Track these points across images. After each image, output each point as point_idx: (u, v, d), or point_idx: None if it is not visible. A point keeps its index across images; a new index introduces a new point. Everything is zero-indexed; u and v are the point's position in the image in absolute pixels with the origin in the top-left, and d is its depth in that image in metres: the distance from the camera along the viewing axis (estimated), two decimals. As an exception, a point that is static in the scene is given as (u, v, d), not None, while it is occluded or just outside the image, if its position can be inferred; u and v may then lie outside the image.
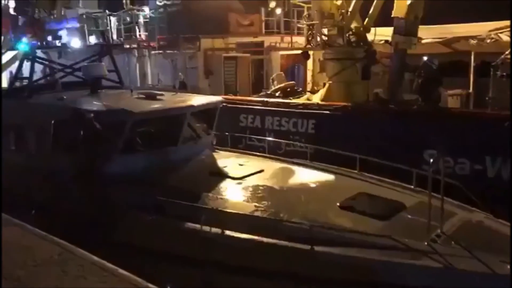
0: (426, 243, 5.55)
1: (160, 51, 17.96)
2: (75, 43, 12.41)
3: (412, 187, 7.45)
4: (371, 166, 8.34)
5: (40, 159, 8.39)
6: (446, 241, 5.66)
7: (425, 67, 12.78)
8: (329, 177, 8.23)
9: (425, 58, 13.31)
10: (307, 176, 8.25)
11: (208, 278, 6.16)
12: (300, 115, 12.85)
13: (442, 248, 5.49)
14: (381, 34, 14.72)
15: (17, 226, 5.90)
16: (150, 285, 4.11)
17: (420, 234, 5.69)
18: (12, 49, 19.23)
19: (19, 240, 5.37)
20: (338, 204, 6.70)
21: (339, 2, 14.13)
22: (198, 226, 6.18)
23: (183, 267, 6.30)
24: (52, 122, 8.34)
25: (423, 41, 14.49)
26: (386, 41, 14.02)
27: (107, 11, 19.87)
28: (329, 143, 10.67)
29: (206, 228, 6.16)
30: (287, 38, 18.47)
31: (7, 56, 20.18)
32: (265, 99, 14.23)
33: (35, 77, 10.66)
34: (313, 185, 7.93)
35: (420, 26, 13.09)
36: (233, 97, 14.78)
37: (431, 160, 6.04)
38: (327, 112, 12.59)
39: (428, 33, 15.22)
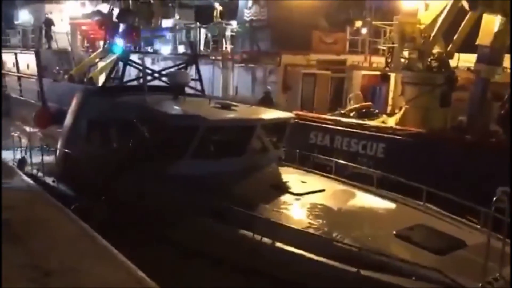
0: (480, 285, 5.30)
1: (242, 64, 18.56)
2: (165, 50, 13.25)
3: (479, 226, 7.14)
4: (438, 199, 8.06)
5: (121, 154, 9.06)
6: (503, 286, 5.42)
7: (509, 97, 12.15)
8: (391, 205, 8.11)
9: (511, 88, 12.67)
10: (368, 201, 8.20)
11: (250, 286, 6.33)
12: (371, 138, 12.71)
13: None
14: (466, 60, 14.17)
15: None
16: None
17: (476, 275, 5.44)
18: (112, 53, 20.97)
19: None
20: (394, 232, 6.61)
21: (422, 26, 13.81)
22: (250, 234, 6.41)
23: (232, 273, 6.50)
24: (134, 120, 8.96)
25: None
26: (469, 69, 13.48)
27: (198, 23, 20.86)
28: (397, 170, 10.51)
29: (257, 237, 6.37)
30: (371, 58, 18.29)
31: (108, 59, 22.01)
32: (337, 118, 14.23)
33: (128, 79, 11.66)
34: (372, 211, 7.88)
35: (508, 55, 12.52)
36: (305, 113, 14.92)
37: (494, 198, 5.71)
38: (399, 137, 12.35)
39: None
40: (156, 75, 11.48)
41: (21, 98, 28.73)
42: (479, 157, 10.83)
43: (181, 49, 19.51)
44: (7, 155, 12.38)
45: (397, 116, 14.29)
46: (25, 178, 8.28)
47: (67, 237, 5.45)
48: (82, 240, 5.45)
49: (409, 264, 5.62)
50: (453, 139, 11.77)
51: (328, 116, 14.82)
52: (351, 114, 15.33)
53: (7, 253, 4.78)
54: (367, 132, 12.85)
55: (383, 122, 14.71)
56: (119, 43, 11.89)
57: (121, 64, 11.58)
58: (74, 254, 4.96)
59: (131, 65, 11.47)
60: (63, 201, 9.21)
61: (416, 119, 13.62)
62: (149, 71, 11.53)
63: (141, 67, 11.63)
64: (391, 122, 14.20)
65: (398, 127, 13.12)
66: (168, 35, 21.95)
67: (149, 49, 12.41)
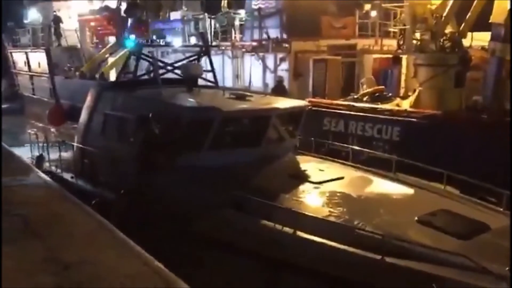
0: (507, 268, 5.16)
1: (253, 53, 18.50)
2: (177, 43, 13.27)
3: (502, 209, 7.07)
4: (457, 181, 8.04)
5: (135, 149, 9.06)
6: None
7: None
8: (411, 190, 8.04)
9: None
10: (388, 187, 8.14)
11: (273, 276, 6.35)
12: (385, 121, 12.66)
13: None
14: (479, 39, 13.99)
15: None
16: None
17: (502, 258, 5.34)
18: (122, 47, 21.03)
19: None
20: (416, 218, 6.55)
21: (433, 7, 13.64)
22: (271, 224, 6.41)
23: (251, 262, 6.51)
24: (150, 115, 8.97)
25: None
26: (483, 48, 13.30)
27: (206, 13, 20.79)
28: (413, 152, 10.47)
29: (279, 227, 6.36)
30: (382, 42, 18.13)
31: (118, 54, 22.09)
32: (351, 103, 14.17)
33: (139, 73, 11.69)
34: (392, 197, 7.83)
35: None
36: (318, 100, 14.87)
37: None
38: (414, 119, 12.27)
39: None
40: (169, 68, 11.50)
41: (34, 96, 29.00)
42: (495, 137, 10.73)
43: (192, 40, 19.45)
44: (24, 153, 12.33)
45: (411, 98, 14.20)
46: (42, 174, 8.38)
47: (84, 231, 5.53)
48: (100, 233, 5.52)
49: (433, 250, 5.56)
50: (469, 119, 11.66)
51: (341, 102, 14.76)
52: (364, 99, 15.26)
53: (27, 249, 4.87)
54: (381, 116, 12.79)
55: (397, 105, 14.62)
56: (131, 37, 11.85)
57: (133, 58, 11.63)
58: (92, 247, 5.04)
59: (144, 59, 11.47)
60: (82, 196, 9.39)
61: (431, 101, 13.54)
62: (161, 64, 11.55)
63: (153, 61, 11.67)
64: (405, 105, 14.11)
65: (412, 109, 13.03)
66: (179, 27, 21.92)
67: (161, 42, 12.37)
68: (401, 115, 12.56)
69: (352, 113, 13.41)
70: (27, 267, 4.46)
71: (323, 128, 13.61)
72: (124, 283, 4.20)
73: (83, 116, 11.21)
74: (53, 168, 11.64)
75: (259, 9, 18.40)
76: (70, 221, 5.85)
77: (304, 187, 7.73)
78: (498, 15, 11.92)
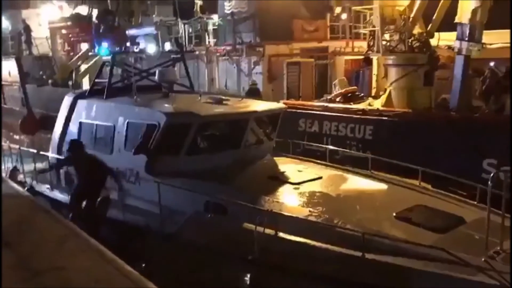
0: (483, 259, 5.36)
1: (227, 57, 18.66)
2: (151, 49, 13.25)
3: (475, 202, 7.29)
4: (429, 177, 8.25)
5: (114, 157, 9.12)
6: (505, 259, 5.44)
7: (490, 73, 12.44)
8: (388, 187, 8.24)
9: (491, 63, 12.97)
10: (365, 185, 8.32)
11: (257, 277, 6.40)
12: (358, 121, 12.95)
13: (500, 265, 5.28)
14: (445, 39, 14.44)
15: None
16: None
17: (478, 250, 5.52)
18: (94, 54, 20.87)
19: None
20: (394, 214, 6.71)
21: (401, 8, 14.04)
22: (252, 226, 6.39)
23: (235, 265, 6.55)
24: (127, 122, 9.09)
25: (490, 46, 14.02)
26: (449, 47, 13.75)
27: (179, 19, 20.84)
28: (385, 150, 10.78)
29: (260, 229, 6.36)
30: (353, 43, 18.51)
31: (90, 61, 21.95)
32: (325, 104, 14.44)
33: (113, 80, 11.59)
34: (370, 195, 8.01)
35: (488, 31, 12.75)
36: (293, 101, 15.12)
37: (491, 175, 5.74)
38: (385, 118, 12.61)
39: (498, 38, 14.69)
40: (144, 74, 11.46)
41: (5, 106, 28.50)
42: (466, 132, 11.12)
43: (167, 46, 19.48)
44: None
45: (383, 98, 14.55)
46: (13, 184, 8.41)
47: (55, 238, 5.60)
48: (71, 239, 5.59)
49: (412, 244, 5.68)
50: (439, 117, 12.04)
51: (315, 103, 15.02)
52: (337, 99, 15.56)
53: None
54: (354, 116, 13.08)
55: (369, 104, 14.97)
56: (104, 45, 11.74)
57: (106, 65, 11.57)
58: (62, 253, 5.11)
59: (118, 66, 11.42)
60: (60, 207, 9.27)
61: (401, 100, 13.92)
62: (136, 71, 11.46)
63: (128, 68, 11.62)
64: (377, 104, 14.45)
65: (384, 108, 13.37)
66: (153, 33, 21.85)
67: (134, 48, 12.33)
68: (373, 114, 12.89)
69: (326, 113, 13.67)
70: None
71: (298, 129, 13.83)
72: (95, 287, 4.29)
73: (58, 125, 11.11)
74: (28, 180, 11.43)
75: (232, 14, 18.57)
76: (41, 228, 5.90)
77: (284, 188, 7.81)
78: (462, 15, 12.36)
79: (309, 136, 13.30)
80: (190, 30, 20.62)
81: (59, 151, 10.77)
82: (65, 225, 6.00)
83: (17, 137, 22.56)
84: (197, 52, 19.47)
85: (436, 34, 14.18)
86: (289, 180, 8.06)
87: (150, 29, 23.50)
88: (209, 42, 20.22)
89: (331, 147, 11.06)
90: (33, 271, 4.58)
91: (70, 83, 22.44)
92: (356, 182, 8.42)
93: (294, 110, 13.85)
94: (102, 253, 5.09)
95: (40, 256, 4.93)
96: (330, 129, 13.40)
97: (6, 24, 28.41)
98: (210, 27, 20.13)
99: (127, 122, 9.10)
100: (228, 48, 18.69)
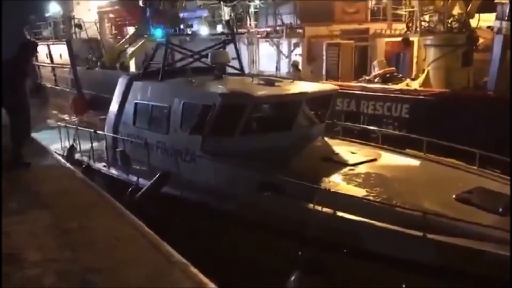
0: None
1: (267, 39, 19.09)
2: (204, 31, 13.53)
3: None
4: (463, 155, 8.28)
5: (171, 137, 9.38)
6: None
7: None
8: (445, 170, 8.13)
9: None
10: (421, 167, 8.28)
11: (314, 256, 6.29)
12: (395, 100, 13.18)
13: None
14: (486, 20, 14.38)
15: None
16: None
17: None
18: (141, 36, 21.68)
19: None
20: (453, 196, 6.63)
21: (441, -12, 14.09)
22: (311, 205, 6.40)
23: (292, 244, 6.46)
24: (182, 102, 9.26)
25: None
26: (489, 27, 13.71)
27: (222, 2, 21.36)
28: (422, 128, 10.95)
29: (318, 208, 6.36)
30: (394, 25, 18.50)
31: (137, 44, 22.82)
32: (363, 84, 14.70)
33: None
34: (427, 177, 7.82)
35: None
36: (331, 82, 15.40)
37: None
38: (422, 97, 12.80)
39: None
40: (196, 56, 11.48)
41: (57, 87, 29.97)
42: (503, 112, 11.15)
43: (219, 29, 20.13)
44: (50, 143, 12.42)
45: (421, 78, 14.67)
46: (56, 156, 9.25)
47: (86, 202, 6.52)
48: (99, 203, 6.47)
49: (475, 224, 5.56)
50: (475, 96, 12.13)
51: (353, 83, 15.30)
52: (376, 80, 15.76)
53: (37, 217, 5.87)
54: (391, 95, 13.31)
55: (407, 85, 15.12)
56: (159, 27, 11.95)
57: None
58: (90, 215, 5.95)
59: (173, 49, 11.58)
60: (116, 185, 9.83)
61: (439, 80, 14.02)
62: (189, 53, 11.64)
63: (181, 50, 11.80)
64: (415, 85, 14.58)
65: (421, 88, 13.52)
66: (204, 15, 22.43)
67: (188, 30, 12.69)
68: (410, 94, 13.07)
69: (363, 92, 13.95)
70: (37, 231, 5.44)
71: (336, 108, 14.13)
72: (115, 244, 5.08)
73: (113, 106, 11.37)
74: (85, 158, 11.87)
75: (274, -4, 18.91)
76: (75, 194, 6.86)
77: (339, 170, 7.75)
78: (502, -6, 12.33)
79: (346, 115, 13.61)
80: (232, 14, 21.14)
81: (115, 131, 11.07)
82: (96, 192, 6.90)
83: (68, 117, 23.75)
84: (241, 33, 19.94)
85: (476, 15, 14.14)
86: (344, 162, 8.04)
87: (204, 12, 24.27)
88: (250, 24, 20.68)
89: (371, 127, 11.04)
90: (63, 229, 5.49)
91: (117, 65, 23.38)
92: (412, 164, 8.36)
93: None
94: (125, 215, 5.96)
95: (71, 217, 5.83)
96: (368, 108, 13.67)
97: (58, 8, 29.73)
98: (252, 10, 20.58)
99: (183, 103, 9.18)
100: (269, 30, 19.10)
